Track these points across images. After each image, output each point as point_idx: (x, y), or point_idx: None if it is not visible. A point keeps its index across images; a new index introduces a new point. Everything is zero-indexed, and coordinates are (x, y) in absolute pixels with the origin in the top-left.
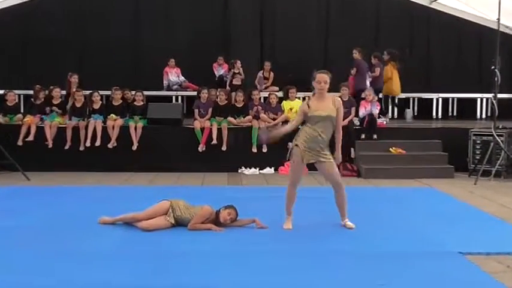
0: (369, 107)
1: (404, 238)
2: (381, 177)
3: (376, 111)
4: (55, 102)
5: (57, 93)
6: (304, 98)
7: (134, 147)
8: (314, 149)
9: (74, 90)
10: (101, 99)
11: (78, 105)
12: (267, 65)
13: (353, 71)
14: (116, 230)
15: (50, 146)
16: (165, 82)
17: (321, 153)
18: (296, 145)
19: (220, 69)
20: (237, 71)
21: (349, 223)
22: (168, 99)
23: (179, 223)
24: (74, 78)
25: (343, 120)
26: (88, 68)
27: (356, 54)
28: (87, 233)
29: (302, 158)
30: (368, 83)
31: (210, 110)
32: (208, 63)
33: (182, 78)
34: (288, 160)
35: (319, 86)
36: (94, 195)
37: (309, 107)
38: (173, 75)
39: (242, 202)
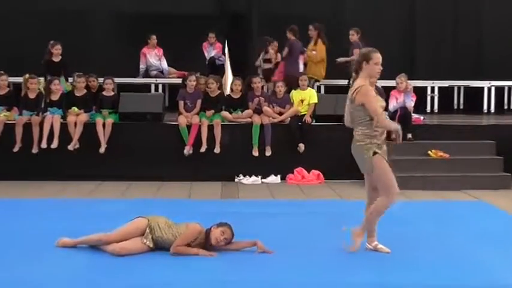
0: (401, 99)
1: (450, 267)
2: (418, 187)
3: (411, 103)
4: (0, 92)
5: (3, 81)
6: (318, 88)
7: (102, 150)
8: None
9: (27, 76)
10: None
11: (32, 95)
12: (274, 44)
13: (284, 52)
14: (77, 255)
15: None
16: (141, 66)
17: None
18: (376, 153)
19: (211, 50)
20: (269, 57)
21: (381, 246)
22: (146, 88)
23: (159, 246)
24: (57, 49)
25: None
26: (35, 47)
27: (289, 34)
28: (40, 258)
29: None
30: (301, 67)
31: (199, 102)
32: (196, 43)
33: (165, 63)
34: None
35: (377, 69)
36: (50, 210)
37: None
38: (153, 57)
39: (240, 220)
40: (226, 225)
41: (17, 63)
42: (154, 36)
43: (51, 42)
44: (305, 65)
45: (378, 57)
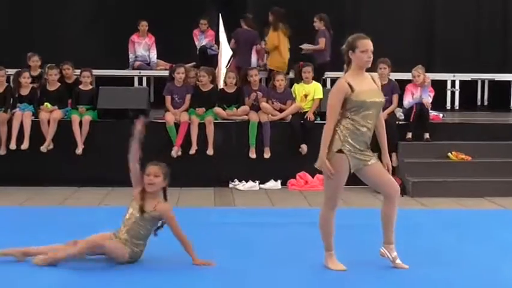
0: (418, 93)
1: (472, 285)
2: (436, 194)
3: (428, 98)
4: None
5: None
6: (324, 81)
7: (79, 151)
8: (360, 150)
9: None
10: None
11: None
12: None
13: (231, 44)
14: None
15: None
16: (131, 56)
17: (366, 154)
18: (340, 150)
19: (202, 38)
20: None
21: (399, 262)
22: (128, 81)
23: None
24: (34, 61)
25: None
26: (6, 36)
27: (242, 23)
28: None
29: (349, 166)
30: (254, 59)
31: (188, 97)
32: (185, 30)
33: (154, 54)
34: (318, 171)
35: (365, 57)
36: (19, 220)
37: (351, 87)
38: (142, 46)
39: (235, 231)
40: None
41: None
42: (144, 23)
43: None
44: None
45: (364, 44)
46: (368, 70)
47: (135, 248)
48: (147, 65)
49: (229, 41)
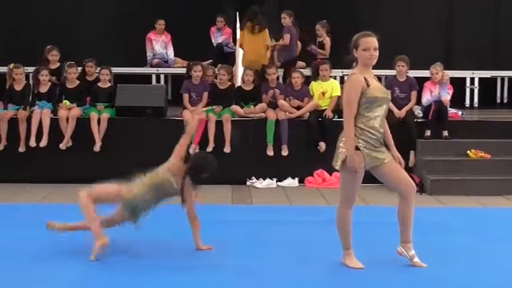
0: (436, 91)
1: (491, 285)
2: (455, 193)
3: (447, 96)
4: None
5: None
6: (342, 78)
7: (97, 148)
8: (375, 147)
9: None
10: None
11: (18, 87)
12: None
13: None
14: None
15: None
16: (149, 54)
17: (381, 151)
18: (356, 148)
19: (218, 36)
20: (321, 39)
21: (417, 260)
22: (146, 79)
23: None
24: (53, 56)
25: (400, 109)
26: (26, 34)
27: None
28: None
29: (365, 165)
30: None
31: (206, 94)
32: (202, 28)
33: (171, 52)
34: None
35: (367, 55)
36: (37, 216)
37: (367, 83)
38: (159, 44)
39: (252, 228)
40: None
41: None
42: (162, 21)
43: (48, 47)
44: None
45: (367, 41)
46: (386, 67)
47: (142, 199)
48: (165, 62)
49: None
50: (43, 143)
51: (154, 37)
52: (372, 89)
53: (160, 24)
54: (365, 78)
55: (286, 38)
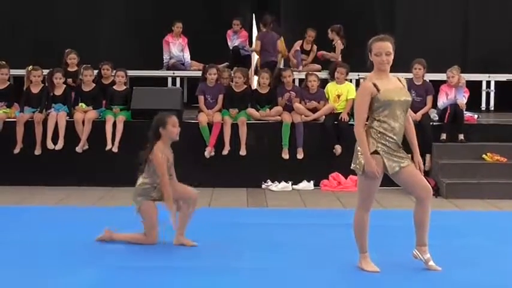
0: (452, 94)
1: None
2: (470, 196)
3: (463, 99)
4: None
5: (4, 74)
6: (357, 82)
7: (115, 149)
8: (394, 151)
9: (30, 68)
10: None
11: (35, 90)
12: (311, 34)
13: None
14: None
15: None
16: (165, 57)
17: (400, 155)
18: (375, 152)
19: (235, 39)
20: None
21: (432, 263)
22: (162, 81)
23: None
24: (71, 59)
25: (415, 113)
26: (44, 37)
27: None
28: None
29: (384, 168)
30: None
31: (221, 97)
32: (219, 31)
33: (188, 55)
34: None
35: (379, 60)
36: (54, 219)
37: (377, 87)
38: (176, 46)
39: (267, 231)
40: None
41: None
42: (179, 24)
43: (67, 50)
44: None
45: (378, 46)
46: (402, 70)
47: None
48: (182, 65)
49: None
50: (59, 145)
51: (172, 40)
52: (386, 92)
53: (178, 27)
54: (374, 84)
55: (257, 45)
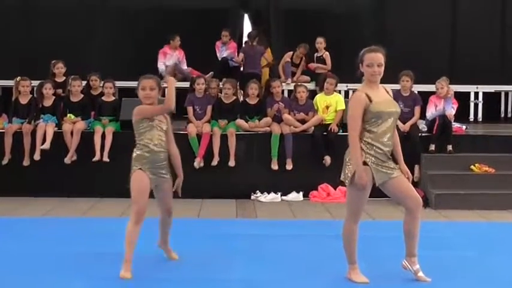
0: (441, 105)
1: None
2: (459, 207)
3: (451, 111)
4: None
5: None
6: (346, 93)
7: (105, 159)
8: (383, 162)
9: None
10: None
11: (24, 101)
12: (302, 51)
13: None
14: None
15: None
16: (161, 68)
17: (389, 166)
18: (364, 162)
19: (223, 50)
20: (320, 54)
21: (421, 274)
22: None
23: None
24: (59, 68)
25: (404, 124)
26: (34, 48)
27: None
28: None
29: (374, 179)
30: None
31: (209, 108)
32: (209, 41)
33: (185, 66)
34: (341, 183)
35: (370, 71)
36: (41, 230)
37: (369, 98)
38: (172, 59)
39: (257, 243)
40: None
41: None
42: (178, 38)
43: (53, 61)
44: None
45: (370, 58)
46: (390, 81)
47: None
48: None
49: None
50: (46, 146)
51: (169, 51)
52: (377, 104)
53: (176, 40)
54: (367, 95)
55: (240, 57)
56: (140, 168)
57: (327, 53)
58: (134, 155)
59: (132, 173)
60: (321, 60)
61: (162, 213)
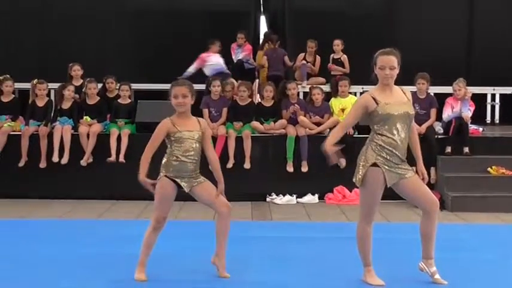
0: (457, 107)
1: None
2: (476, 209)
3: (468, 113)
4: (4, 100)
5: (9, 87)
6: (362, 94)
7: (110, 159)
8: (396, 164)
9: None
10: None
11: (40, 103)
12: (311, 45)
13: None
14: None
15: None
16: (189, 70)
17: (403, 167)
18: (375, 164)
19: (239, 52)
20: (337, 56)
21: (438, 277)
22: (165, 94)
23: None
24: (76, 71)
25: (420, 126)
26: (51, 51)
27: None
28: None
29: (385, 181)
30: None
31: (225, 110)
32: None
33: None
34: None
35: (382, 74)
36: (59, 232)
37: (376, 101)
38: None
39: (272, 245)
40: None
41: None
42: (219, 43)
43: (70, 64)
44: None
45: (382, 60)
46: (406, 83)
47: None
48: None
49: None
50: (64, 159)
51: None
52: (385, 105)
53: (216, 45)
54: (373, 97)
55: (263, 60)
56: (166, 175)
57: (345, 56)
58: (163, 161)
59: (158, 179)
60: (339, 63)
61: (217, 217)
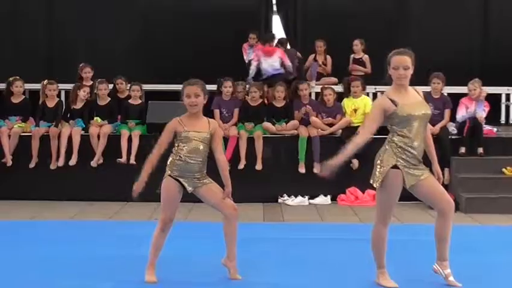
0: (472, 108)
1: None
2: (490, 211)
3: (482, 113)
4: (14, 101)
5: (19, 88)
6: (374, 95)
7: (121, 160)
8: (414, 165)
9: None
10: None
11: (50, 104)
12: (319, 45)
13: None
14: None
15: (9, 163)
16: (252, 68)
17: (420, 168)
18: (395, 166)
19: (251, 52)
20: (358, 56)
21: (452, 279)
22: (177, 95)
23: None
24: (86, 73)
25: (433, 126)
26: (60, 51)
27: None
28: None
29: (404, 182)
30: None
31: (236, 111)
32: (235, 44)
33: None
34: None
35: (396, 74)
36: (69, 233)
37: (394, 102)
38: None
39: (284, 246)
40: None
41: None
42: (253, 35)
43: (81, 65)
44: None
45: (396, 60)
46: (420, 83)
47: None
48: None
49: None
50: (72, 161)
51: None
52: (404, 106)
53: (251, 38)
54: (391, 99)
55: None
56: (170, 175)
57: (367, 56)
58: (169, 160)
59: (163, 178)
60: (361, 63)
61: (224, 219)
